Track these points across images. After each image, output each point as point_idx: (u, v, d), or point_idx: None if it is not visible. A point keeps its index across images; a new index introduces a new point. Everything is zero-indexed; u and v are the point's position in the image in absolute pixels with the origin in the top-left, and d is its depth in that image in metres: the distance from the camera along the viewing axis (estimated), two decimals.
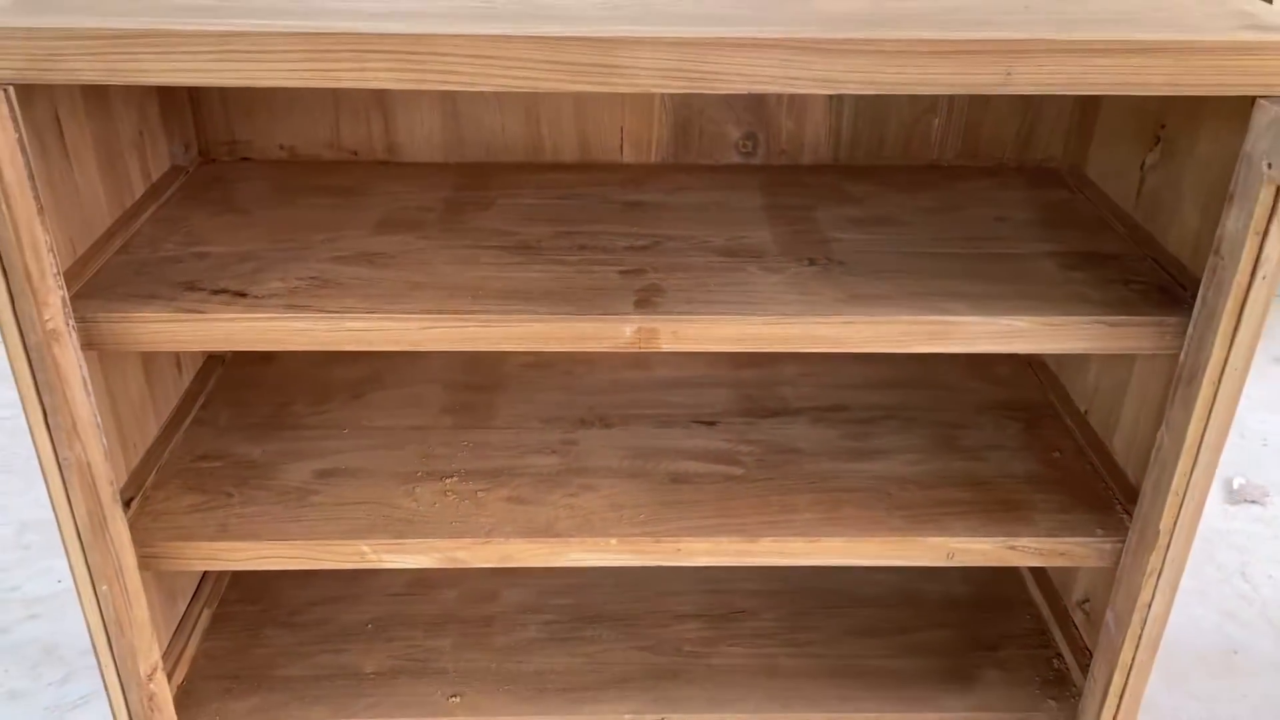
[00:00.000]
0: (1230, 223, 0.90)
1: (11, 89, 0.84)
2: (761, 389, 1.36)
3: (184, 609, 1.30)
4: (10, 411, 2.03)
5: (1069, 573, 1.34)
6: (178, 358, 1.28)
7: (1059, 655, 1.33)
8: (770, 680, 1.29)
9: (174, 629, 1.26)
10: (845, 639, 1.35)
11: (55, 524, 1.74)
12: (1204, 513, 1.83)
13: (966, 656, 1.33)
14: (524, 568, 1.42)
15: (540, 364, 1.39)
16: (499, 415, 1.29)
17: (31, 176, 0.86)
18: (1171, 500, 1.02)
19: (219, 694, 1.25)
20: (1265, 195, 0.86)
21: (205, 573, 1.37)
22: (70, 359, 0.93)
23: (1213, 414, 0.97)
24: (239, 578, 1.41)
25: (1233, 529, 1.85)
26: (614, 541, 1.11)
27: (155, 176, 1.21)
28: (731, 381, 1.37)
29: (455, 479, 1.18)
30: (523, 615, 1.38)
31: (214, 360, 1.38)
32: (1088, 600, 1.28)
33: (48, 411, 0.93)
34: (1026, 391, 1.37)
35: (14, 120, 0.84)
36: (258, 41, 0.83)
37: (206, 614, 1.35)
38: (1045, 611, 1.39)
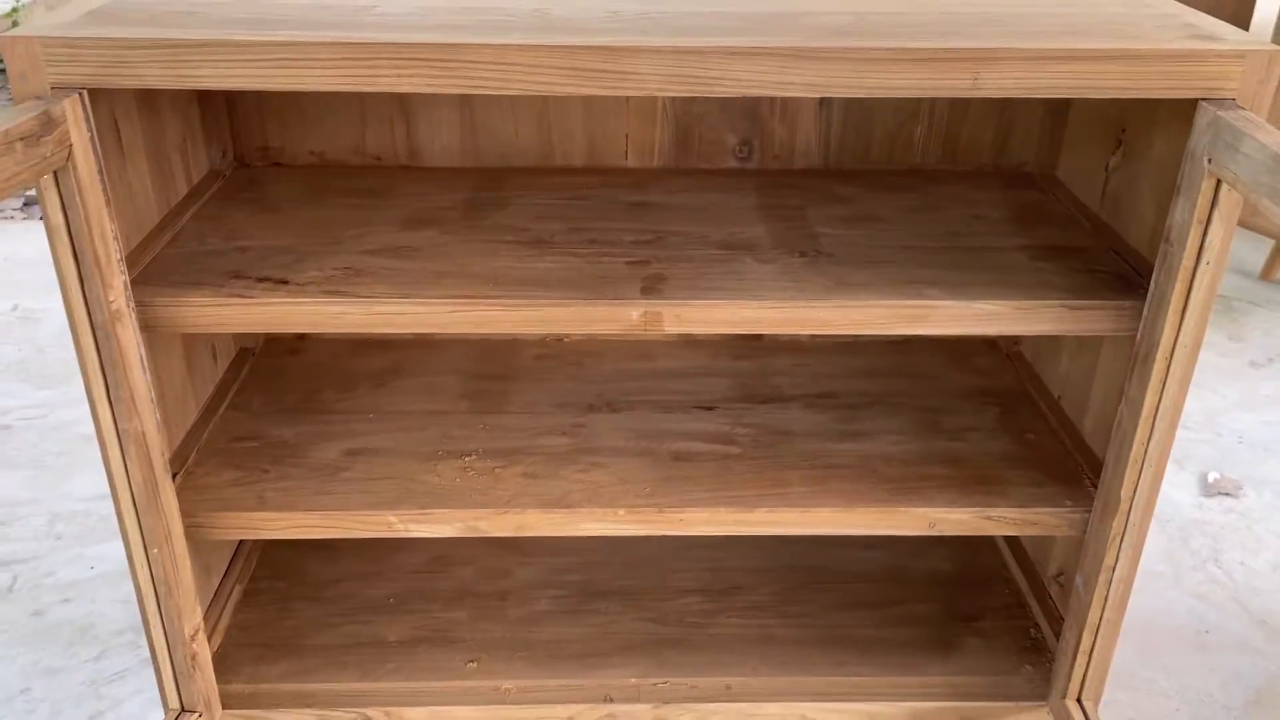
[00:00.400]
0: (1178, 214, 1.00)
1: (85, 93, 0.94)
2: (757, 378, 1.45)
3: (217, 584, 1.39)
4: (40, 411, 2.11)
5: (1045, 549, 1.43)
6: (213, 348, 1.38)
7: (1035, 625, 1.42)
8: (766, 648, 1.38)
9: (208, 602, 1.35)
10: (835, 611, 1.44)
11: (85, 515, 1.85)
12: (1180, 504, 1.94)
13: (949, 627, 1.42)
14: (535, 546, 1.52)
15: (551, 355, 1.49)
16: (513, 401, 1.39)
17: (101, 171, 0.96)
18: (1131, 469, 1.11)
19: (253, 660, 1.34)
20: (1206, 188, 0.96)
21: (236, 551, 1.46)
22: (130, 338, 1.02)
23: (1166, 388, 1.06)
24: (267, 556, 1.50)
25: (1207, 519, 1.94)
26: (622, 512, 1.20)
27: (195, 179, 1.31)
28: (729, 371, 1.47)
29: (474, 457, 1.28)
30: (534, 590, 1.47)
31: (246, 351, 1.47)
32: (1061, 574, 1.37)
33: (110, 386, 1.02)
34: (1004, 380, 1.46)
35: (87, 121, 0.94)
36: (305, 50, 0.93)
37: (238, 589, 1.44)
38: (1023, 586, 1.48)
